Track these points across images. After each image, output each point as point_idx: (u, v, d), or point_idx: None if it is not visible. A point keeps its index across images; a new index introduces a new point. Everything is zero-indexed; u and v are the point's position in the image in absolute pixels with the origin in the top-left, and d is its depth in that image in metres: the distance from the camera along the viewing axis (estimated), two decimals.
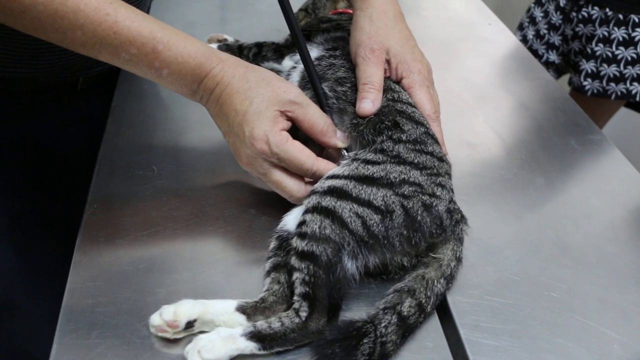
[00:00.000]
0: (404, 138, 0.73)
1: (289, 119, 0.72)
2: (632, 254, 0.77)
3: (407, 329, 0.63)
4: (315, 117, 0.73)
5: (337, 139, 0.75)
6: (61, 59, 0.92)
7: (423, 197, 0.68)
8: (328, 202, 0.67)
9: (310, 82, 0.79)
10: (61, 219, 0.97)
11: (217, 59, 0.72)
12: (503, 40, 1.30)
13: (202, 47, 0.72)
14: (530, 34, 1.77)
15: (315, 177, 0.72)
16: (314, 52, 0.88)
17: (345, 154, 0.75)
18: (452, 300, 0.68)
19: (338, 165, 0.73)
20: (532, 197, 0.85)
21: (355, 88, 0.79)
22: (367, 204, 0.66)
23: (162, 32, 0.70)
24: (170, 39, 0.70)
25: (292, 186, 0.72)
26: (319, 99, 0.78)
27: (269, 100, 0.70)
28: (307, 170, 0.71)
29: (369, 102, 0.75)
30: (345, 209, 0.66)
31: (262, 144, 0.69)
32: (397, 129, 0.74)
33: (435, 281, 0.66)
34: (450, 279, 0.68)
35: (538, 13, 1.75)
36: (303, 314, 0.62)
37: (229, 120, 0.72)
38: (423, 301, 0.64)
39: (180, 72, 0.71)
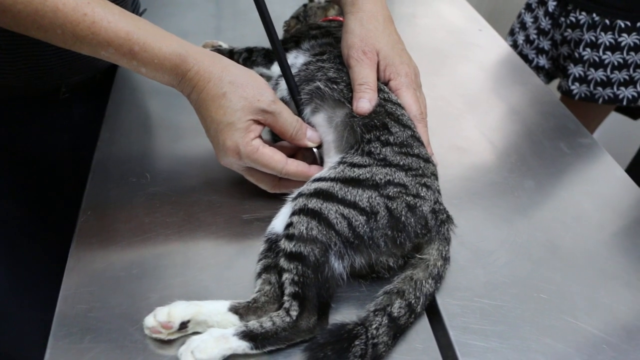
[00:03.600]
0: (391, 140, 0.74)
1: (262, 124, 0.75)
2: (621, 256, 0.78)
3: (398, 330, 0.63)
4: (285, 125, 0.76)
5: (307, 139, 0.79)
6: (38, 65, 0.92)
7: (407, 198, 0.69)
8: (314, 204, 0.68)
9: (288, 88, 0.82)
10: (52, 226, 0.98)
11: (193, 60, 0.73)
12: (494, 46, 1.32)
13: (177, 48, 0.73)
14: (521, 39, 1.79)
15: (287, 177, 0.77)
16: (301, 58, 0.90)
17: (316, 151, 0.80)
18: (442, 302, 0.68)
19: (309, 163, 0.78)
20: (522, 201, 0.86)
21: (349, 87, 0.81)
22: (353, 205, 0.67)
23: (139, 32, 0.71)
24: (147, 40, 0.71)
25: (265, 183, 0.79)
26: (295, 104, 0.82)
27: (241, 109, 0.73)
28: (278, 174, 0.76)
29: (366, 102, 0.78)
30: (331, 210, 0.67)
31: (234, 154, 0.74)
32: (385, 131, 0.75)
33: (424, 281, 0.66)
34: (438, 278, 0.68)
35: (528, 18, 1.76)
36: (293, 313, 0.63)
37: (207, 123, 0.75)
38: (413, 302, 0.65)
39: (157, 72, 0.73)
